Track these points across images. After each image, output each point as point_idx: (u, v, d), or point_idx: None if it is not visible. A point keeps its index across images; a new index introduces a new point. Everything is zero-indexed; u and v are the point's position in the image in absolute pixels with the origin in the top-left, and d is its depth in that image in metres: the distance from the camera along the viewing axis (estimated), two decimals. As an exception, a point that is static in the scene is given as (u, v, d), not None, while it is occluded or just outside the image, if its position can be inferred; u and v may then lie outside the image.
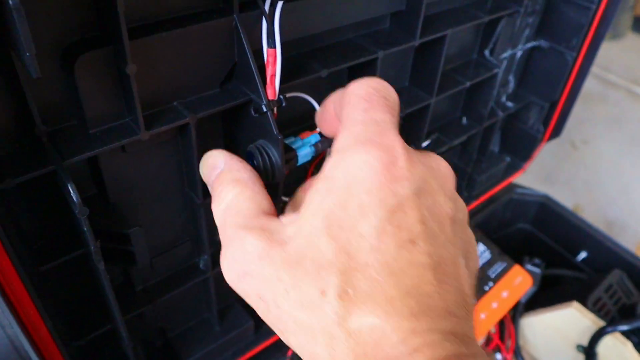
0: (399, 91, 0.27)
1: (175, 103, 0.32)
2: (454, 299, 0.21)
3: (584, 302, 0.63)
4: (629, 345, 0.58)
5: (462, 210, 0.25)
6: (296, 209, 0.24)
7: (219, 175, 0.28)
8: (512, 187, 0.79)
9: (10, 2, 0.19)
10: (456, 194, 0.25)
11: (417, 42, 0.43)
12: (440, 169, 0.24)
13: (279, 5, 0.31)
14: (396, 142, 0.23)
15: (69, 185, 0.26)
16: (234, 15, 0.31)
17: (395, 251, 0.21)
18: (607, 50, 2.39)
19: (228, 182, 0.27)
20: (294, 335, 0.21)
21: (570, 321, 0.63)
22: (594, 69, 2.26)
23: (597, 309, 0.64)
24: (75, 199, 0.26)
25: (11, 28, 0.20)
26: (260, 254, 0.22)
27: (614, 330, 0.59)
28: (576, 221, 0.77)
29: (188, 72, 0.32)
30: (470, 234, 0.25)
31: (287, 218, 0.24)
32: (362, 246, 0.21)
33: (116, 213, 0.33)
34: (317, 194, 0.23)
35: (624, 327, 0.59)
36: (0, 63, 0.25)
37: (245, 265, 0.23)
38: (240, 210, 0.25)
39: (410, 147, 0.24)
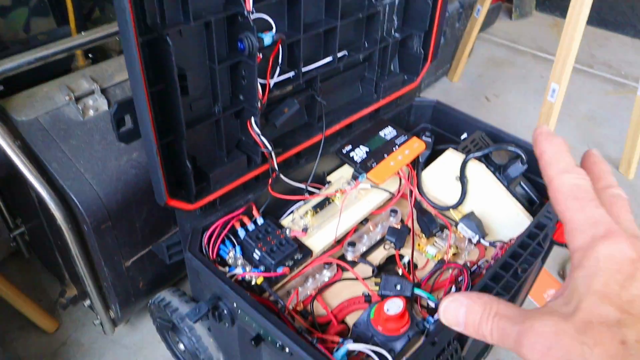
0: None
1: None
2: None
3: (456, 149, 0.99)
4: (482, 165, 0.95)
5: None
6: (561, 294, 0.31)
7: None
8: (413, 96, 1.16)
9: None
10: None
11: (322, -15, 0.79)
12: None
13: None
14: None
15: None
16: None
17: None
18: (516, 27, 2.85)
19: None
20: None
21: (449, 161, 0.99)
22: (504, 41, 2.72)
23: (465, 152, 1.00)
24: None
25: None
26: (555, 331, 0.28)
27: (470, 158, 0.95)
28: (458, 114, 1.13)
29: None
30: None
31: (555, 302, 0.31)
32: (637, 303, 0.27)
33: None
34: (581, 279, 0.29)
35: (476, 154, 0.95)
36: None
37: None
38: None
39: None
